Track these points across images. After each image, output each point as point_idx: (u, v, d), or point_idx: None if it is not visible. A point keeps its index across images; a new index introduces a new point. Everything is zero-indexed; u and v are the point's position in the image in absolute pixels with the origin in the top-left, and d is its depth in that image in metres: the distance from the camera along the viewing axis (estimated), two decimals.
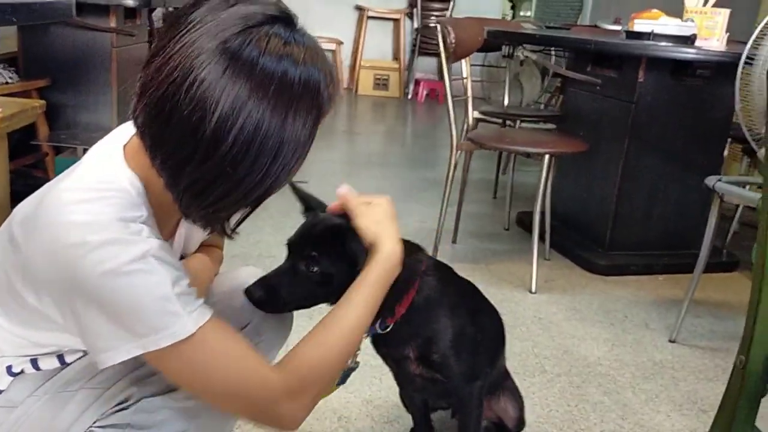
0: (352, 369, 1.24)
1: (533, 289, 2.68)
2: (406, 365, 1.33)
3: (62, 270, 0.87)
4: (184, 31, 0.84)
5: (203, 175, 0.87)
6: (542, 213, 2.96)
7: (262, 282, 1.15)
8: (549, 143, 2.77)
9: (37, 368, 1.02)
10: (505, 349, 1.59)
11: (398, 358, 1.33)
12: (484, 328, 1.42)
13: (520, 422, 1.59)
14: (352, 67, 7.74)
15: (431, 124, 6.58)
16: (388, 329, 1.25)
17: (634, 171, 2.93)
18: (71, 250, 0.85)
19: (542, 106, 4.68)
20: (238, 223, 1.02)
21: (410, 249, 1.25)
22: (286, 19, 0.89)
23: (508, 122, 3.57)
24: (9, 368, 1.01)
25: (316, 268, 1.14)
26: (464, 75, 2.96)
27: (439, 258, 2.83)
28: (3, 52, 3.14)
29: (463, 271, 2.78)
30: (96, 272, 0.85)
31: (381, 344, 1.33)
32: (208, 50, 0.83)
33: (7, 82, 2.80)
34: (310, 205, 1.24)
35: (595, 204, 3.08)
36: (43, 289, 0.91)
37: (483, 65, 5.75)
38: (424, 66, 7.79)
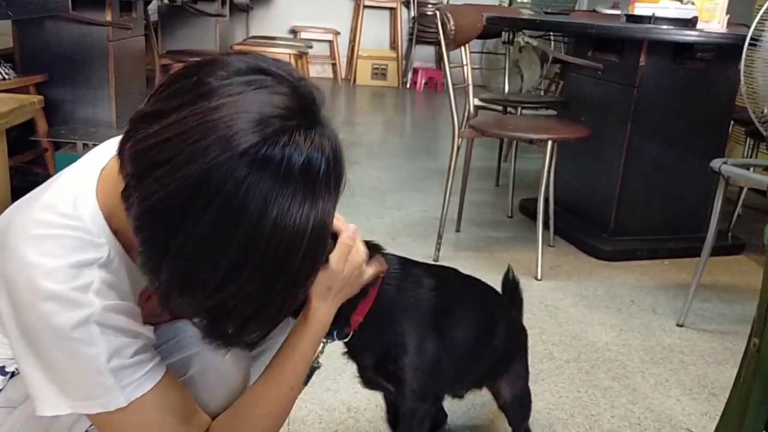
0: (315, 368, 1.16)
1: (539, 276, 2.67)
2: (364, 372, 1.29)
3: (9, 308, 0.84)
4: (202, 105, 0.76)
5: (230, 293, 0.79)
6: (546, 199, 2.95)
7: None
8: (551, 129, 2.76)
9: None
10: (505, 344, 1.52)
11: (357, 364, 1.28)
12: (462, 340, 1.34)
13: (516, 408, 1.53)
14: (350, 58, 7.71)
15: (431, 113, 6.55)
16: (348, 338, 1.18)
17: (637, 155, 2.91)
18: (19, 289, 0.83)
19: (542, 93, 4.66)
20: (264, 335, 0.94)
21: (371, 251, 1.16)
22: (306, 111, 0.81)
23: (509, 109, 3.55)
24: (2, 369, 1.00)
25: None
26: (464, 62, 2.93)
27: (443, 247, 2.85)
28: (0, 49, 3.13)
29: (467, 259, 2.82)
30: (38, 325, 0.82)
31: (343, 348, 1.26)
32: (227, 149, 0.74)
33: (4, 78, 2.78)
34: None
35: (598, 189, 3.07)
36: (6, 322, 0.87)
37: (482, 52, 5.72)
38: (422, 55, 7.76)
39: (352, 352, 1.26)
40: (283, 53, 4.83)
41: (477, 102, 3.47)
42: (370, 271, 1.12)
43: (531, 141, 2.76)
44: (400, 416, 1.35)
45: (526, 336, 1.61)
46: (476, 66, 5.53)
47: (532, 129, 2.81)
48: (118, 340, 0.85)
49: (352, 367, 1.52)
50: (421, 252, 2.78)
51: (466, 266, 2.74)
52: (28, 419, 0.98)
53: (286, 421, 1.65)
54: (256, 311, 0.83)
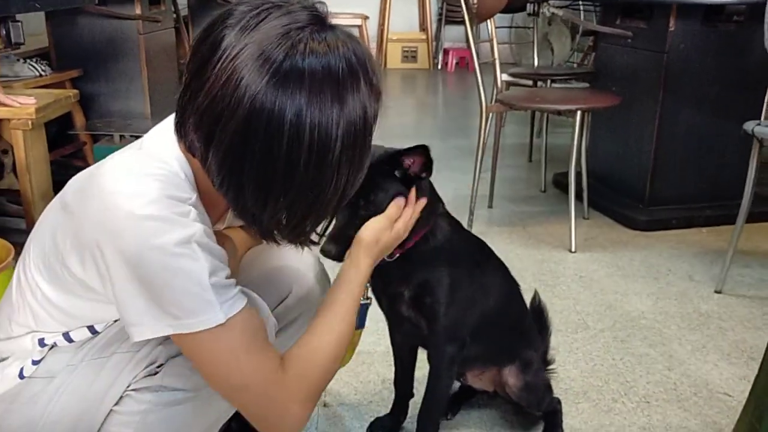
0: (367, 305, 1.31)
1: (573, 248, 2.66)
2: (398, 305, 1.35)
3: (108, 237, 0.89)
4: (225, 59, 0.86)
5: (287, 200, 0.91)
6: (579, 172, 2.93)
7: (332, 238, 1.17)
8: (580, 99, 2.73)
9: (69, 340, 1.04)
10: (523, 325, 1.57)
11: (393, 296, 1.35)
12: (486, 294, 1.42)
13: (525, 393, 1.51)
14: (380, 42, 7.70)
15: (462, 93, 6.51)
16: (395, 258, 1.27)
17: (670, 123, 2.86)
18: (119, 219, 0.88)
19: (575, 66, 4.60)
20: (326, 228, 1.08)
21: (431, 196, 1.30)
22: (317, 20, 0.90)
23: (539, 83, 3.52)
24: (41, 341, 1.05)
25: (373, 208, 1.18)
26: (489, 37, 2.91)
27: (475, 223, 2.85)
28: (35, 48, 3.20)
29: (500, 234, 2.82)
30: (141, 245, 0.87)
31: (380, 280, 1.33)
32: (256, 75, 0.85)
33: (40, 75, 2.85)
34: None
35: (632, 160, 3.03)
36: (88, 256, 0.93)
37: (510, 26, 5.64)
38: (453, 35, 7.70)
39: (390, 281, 1.33)
40: None
41: (506, 77, 3.46)
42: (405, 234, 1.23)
43: (559, 112, 2.75)
44: (429, 362, 1.41)
45: (541, 340, 1.64)
46: (505, 41, 5.46)
47: (561, 100, 2.79)
48: (215, 262, 0.92)
49: (386, 342, 1.56)
50: None
51: (499, 241, 2.75)
52: (67, 388, 1.02)
53: (324, 392, 1.69)
54: (315, 202, 0.93)
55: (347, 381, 1.77)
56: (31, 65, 2.87)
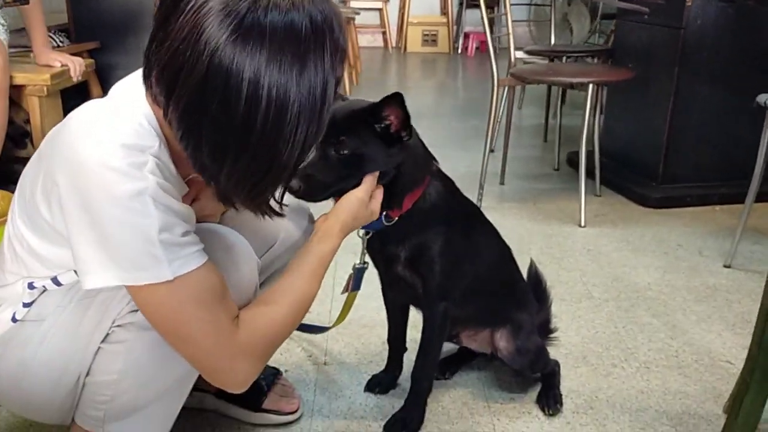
0: (364, 269, 1.36)
1: (582, 223, 2.65)
2: (395, 265, 1.36)
3: (66, 182, 0.92)
4: (189, 10, 0.84)
5: (243, 161, 0.89)
6: (591, 150, 2.91)
7: (299, 174, 1.17)
8: (593, 73, 2.71)
9: (58, 284, 1.07)
10: (512, 287, 1.57)
11: (389, 257, 1.36)
12: (477, 254, 1.43)
13: (515, 357, 1.52)
14: (400, 25, 7.68)
15: (481, 76, 6.48)
16: (392, 223, 1.29)
17: (685, 100, 2.83)
18: (75, 164, 0.90)
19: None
20: (282, 196, 1.07)
21: (425, 155, 1.31)
22: None
23: (555, 60, 3.50)
24: (30, 284, 1.07)
25: (345, 151, 1.19)
26: (503, 11, 2.90)
27: (486, 198, 2.85)
28: (56, 24, 3.25)
29: (510, 209, 2.83)
30: (92, 194, 0.89)
31: (377, 241, 1.35)
32: (217, 29, 0.83)
33: (58, 46, 2.90)
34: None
35: (646, 137, 3.00)
36: (54, 200, 0.95)
37: (530, 4, 5.56)
38: (473, 19, 7.66)
39: (387, 243, 1.34)
40: None
41: (521, 55, 3.44)
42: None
43: (572, 85, 2.73)
44: (424, 318, 1.43)
45: (539, 308, 1.65)
46: (524, 19, 5.37)
47: (573, 73, 2.77)
48: (169, 218, 0.92)
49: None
50: None
51: (509, 216, 2.76)
52: (58, 329, 1.05)
53: (324, 352, 1.71)
54: (272, 165, 0.91)
55: (348, 342, 1.79)
56: (50, 36, 2.91)
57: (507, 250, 1.54)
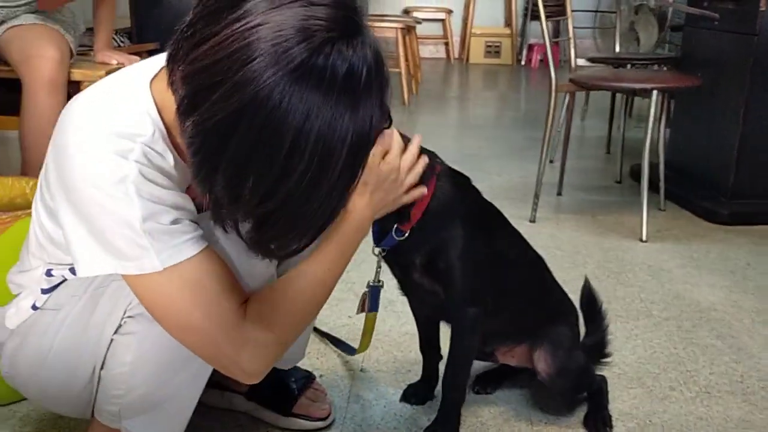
0: (379, 287, 1.28)
1: (644, 238, 2.51)
2: (411, 273, 1.28)
3: (56, 167, 0.91)
4: (243, 24, 0.76)
5: (264, 208, 0.81)
6: (656, 163, 2.78)
7: None
8: (657, 79, 2.58)
9: (75, 273, 1.03)
10: (548, 296, 1.47)
11: (404, 265, 1.28)
12: (502, 256, 1.33)
13: (555, 379, 1.41)
14: (463, 36, 7.62)
15: (543, 89, 6.32)
16: (405, 236, 1.20)
17: (757, 111, 2.67)
18: (63, 148, 0.89)
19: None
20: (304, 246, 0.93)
21: (426, 155, 1.20)
22: (348, 21, 0.80)
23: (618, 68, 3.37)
24: (49, 271, 1.06)
25: None
26: (566, 15, 2.80)
27: (541, 209, 2.75)
28: (120, 28, 3.33)
29: (566, 221, 2.72)
30: (76, 180, 0.87)
31: (392, 252, 1.26)
32: (270, 62, 0.74)
33: (119, 45, 2.95)
34: None
35: (715, 150, 2.85)
36: (54, 191, 0.94)
37: (596, 11, 5.38)
38: (538, 31, 7.49)
39: (401, 253, 1.25)
40: (389, 27, 4.82)
41: (583, 62, 3.33)
42: (410, 179, 1.13)
43: (635, 92, 2.61)
44: (452, 326, 1.35)
45: (575, 314, 1.52)
46: (588, 26, 5.18)
47: (636, 79, 2.64)
48: (155, 206, 0.88)
49: None
50: (517, 213, 2.68)
51: (565, 227, 2.65)
52: (72, 318, 1.04)
53: (362, 358, 1.65)
54: (298, 220, 0.83)
55: (387, 350, 1.72)
56: (112, 37, 2.96)
57: (536, 255, 1.44)
